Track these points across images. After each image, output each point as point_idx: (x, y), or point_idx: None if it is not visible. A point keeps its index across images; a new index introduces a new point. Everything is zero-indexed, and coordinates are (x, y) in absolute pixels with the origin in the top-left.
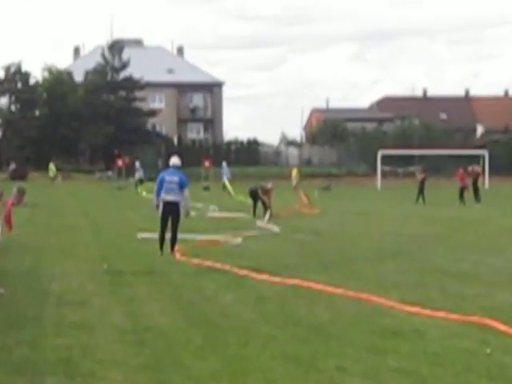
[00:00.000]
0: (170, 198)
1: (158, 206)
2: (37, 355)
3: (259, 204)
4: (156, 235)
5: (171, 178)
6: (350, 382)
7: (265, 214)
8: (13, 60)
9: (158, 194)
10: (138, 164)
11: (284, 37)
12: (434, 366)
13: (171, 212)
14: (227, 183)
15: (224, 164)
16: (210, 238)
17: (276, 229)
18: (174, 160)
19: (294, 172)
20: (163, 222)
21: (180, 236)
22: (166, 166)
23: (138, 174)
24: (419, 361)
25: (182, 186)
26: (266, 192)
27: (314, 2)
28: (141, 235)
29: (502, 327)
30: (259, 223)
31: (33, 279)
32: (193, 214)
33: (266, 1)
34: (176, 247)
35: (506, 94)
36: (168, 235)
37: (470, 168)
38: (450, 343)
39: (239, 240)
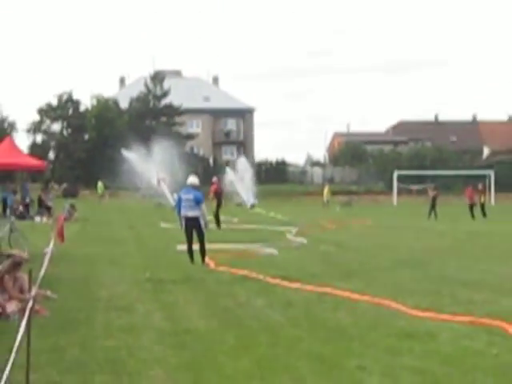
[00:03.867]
0: (189, 214)
1: (181, 223)
2: (87, 355)
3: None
4: (194, 247)
5: (186, 196)
6: (369, 379)
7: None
8: (64, 89)
9: (179, 212)
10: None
11: (311, 68)
12: (445, 365)
13: (193, 226)
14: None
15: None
16: (244, 248)
17: (304, 240)
18: (190, 179)
19: (326, 189)
20: (188, 236)
21: (217, 246)
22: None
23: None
24: (431, 360)
25: (197, 201)
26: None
27: (338, 35)
28: (179, 247)
29: (508, 329)
30: (289, 236)
31: (83, 286)
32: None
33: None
34: (206, 258)
35: (510, 118)
36: (197, 246)
37: (480, 186)
38: (460, 345)
39: (274, 251)
